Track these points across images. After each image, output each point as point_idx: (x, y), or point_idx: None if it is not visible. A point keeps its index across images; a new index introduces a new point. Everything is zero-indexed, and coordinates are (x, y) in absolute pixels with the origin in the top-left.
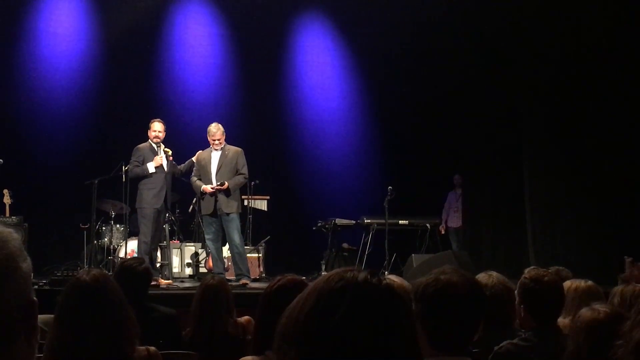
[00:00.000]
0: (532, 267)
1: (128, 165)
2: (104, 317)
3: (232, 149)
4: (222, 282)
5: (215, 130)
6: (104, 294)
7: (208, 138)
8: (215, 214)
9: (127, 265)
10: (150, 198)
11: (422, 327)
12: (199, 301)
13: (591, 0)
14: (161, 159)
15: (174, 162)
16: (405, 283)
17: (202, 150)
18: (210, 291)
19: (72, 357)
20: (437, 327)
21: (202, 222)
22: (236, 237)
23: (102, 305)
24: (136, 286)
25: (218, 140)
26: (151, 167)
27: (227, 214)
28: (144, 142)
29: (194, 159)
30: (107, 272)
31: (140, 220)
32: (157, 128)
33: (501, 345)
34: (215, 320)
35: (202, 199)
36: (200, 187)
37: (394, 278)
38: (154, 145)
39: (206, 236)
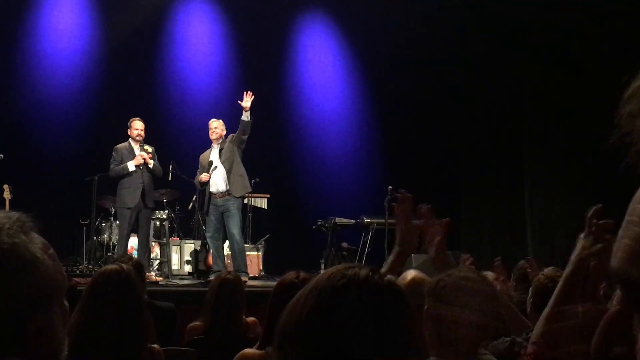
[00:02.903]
0: (551, 267)
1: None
2: (127, 310)
3: (227, 139)
4: (238, 278)
5: (213, 120)
6: (131, 289)
7: (209, 134)
8: (216, 210)
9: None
10: (123, 197)
11: (432, 324)
12: (214, 296)
13: (591, 5)
14: (142, 158)
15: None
16: (426, 278)
17: (203, 152)
18: (227, 286)
19: (89, 344)
20: (447, 323)
21: (202, 219)
22: (236, 232)
23: (127, 298)
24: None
25: (216, 129)
26: (131, 165)
27: (229, 210)
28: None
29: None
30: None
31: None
32: (138, 126)
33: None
34: (232, 315)
35: (204, 190)
36: (200, 180)
37: (414, 272)
38: (133, 144)
39: (207, 233)
